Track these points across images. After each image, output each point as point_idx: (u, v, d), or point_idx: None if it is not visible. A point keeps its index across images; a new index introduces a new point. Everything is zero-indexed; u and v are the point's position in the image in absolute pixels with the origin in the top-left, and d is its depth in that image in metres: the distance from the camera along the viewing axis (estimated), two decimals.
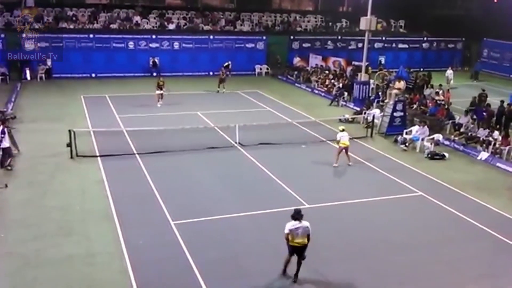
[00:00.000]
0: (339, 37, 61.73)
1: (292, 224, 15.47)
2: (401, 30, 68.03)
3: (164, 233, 19.00)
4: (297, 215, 15.52)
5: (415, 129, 31.56)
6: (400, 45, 63.40)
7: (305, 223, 15.54)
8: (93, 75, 50.89)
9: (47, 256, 17.18)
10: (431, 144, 30.13)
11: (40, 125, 32.89)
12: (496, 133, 30.53)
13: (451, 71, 52.66)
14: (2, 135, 24.89)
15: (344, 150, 26.73)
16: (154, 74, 48.30)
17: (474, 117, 33.71)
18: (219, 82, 46.22)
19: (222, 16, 61.38)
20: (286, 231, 15.50)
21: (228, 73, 49.33)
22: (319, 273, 14.03)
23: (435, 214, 21.82)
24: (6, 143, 25.04)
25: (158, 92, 39.27)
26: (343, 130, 27.01)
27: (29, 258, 16.93)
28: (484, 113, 34.54)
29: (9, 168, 24.81)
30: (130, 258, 17.07)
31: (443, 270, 17.24)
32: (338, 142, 26.95)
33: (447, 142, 31.57)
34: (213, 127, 32.16)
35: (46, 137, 30.06)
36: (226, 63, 51.16)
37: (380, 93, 40.72)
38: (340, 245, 18.59)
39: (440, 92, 39.99)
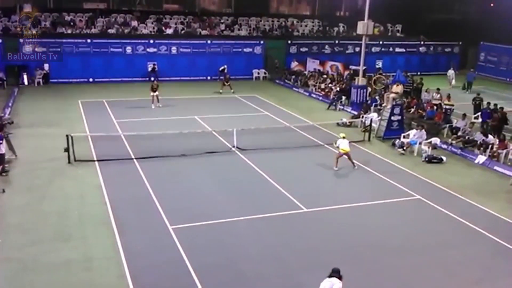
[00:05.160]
0: (337, 42, 61.83)
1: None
2: (398, 34, 68.10)
3: (162, 238, 18.96)
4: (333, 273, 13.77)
5: (412, 132, 31.55)
6: (397, 49, 63.53)
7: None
8: (91, 80, 50.90)
9: (45, 261, 17.13)
10: (428, 147, 30.10)
11: (37, 130, 32.85)
12: (490, 137, 30.57)
13: (453, 71, 52.73)
14: (0, 141, 24.81)
15: (346, 156, 26.81)
16: (152, 79, 48.30)
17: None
18: (222, 85, 46.95)
19: (220, 21, 61.41)
20: None
21: (222, 77, 49.53)
22: (316, 277, 13.96)
23: (433, 218, 21.79)
24: (2, 149, 24.96)
25: (152, 93, 39.86)
26: (343, 137, 27.05)
27: (27, 263, 16.86)
28: (489, 119, 34.73)
29: (4, 174, 24.73)
30: (128, 263, 17.01)
31: (441, 274, 17.20)
32: (337, 147, 27.05)
33: (444, 146, 31.56)
34: (211, 132, 32.16)
35: (44, 142, 30.02)
36: (222, 67, 51.29)
37: (377, 97, 40.73)
38: (338, 249, 18.55)
39: (437, 96, 40.05)
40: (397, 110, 33.45)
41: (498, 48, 60.75)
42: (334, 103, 42.57)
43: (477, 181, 26.62)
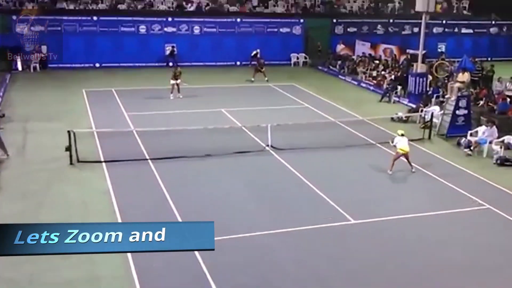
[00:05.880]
0: (391, 21, 61.67)
1: None
2: (464, 12, 67.59)
3: (182, 254, 18.93)
4: None
5: (481, 130, 31.24)
6: (464, 30, 63.16)
7: None
8: (97, 65, 51.37)
9: (43, 281, 17.19)
10: (500, 147, 29.77)
11: (33, 125, 33.16)
12: None
13: None
14: None
15: (404, 157, 26.62)
16: (170, 64, 48.49)
17: None
18: (255, 71, 46.97)
19: None
20: None
21: (254, 63, 49.52)
22: None
23: (505, 232, 21.53)
24: None
25: (172, 82, 39.72)
26: (402, 135, 26.80)
27: (21, 284, 16.92)
28: None
29: None
30: (140, 284, 17.00)
31: None
32: (394, 147, 26.85)
33: None
34: (241, 127, 32.21)
35: (41, 139, 30.29)
36: (255, 52, 51.27)
37: (440, 87, 40.51)
38: (391, 268, 18.40)
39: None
40: (463, 103, 33.22)
41: None
42: (388, 94, 42.44)
43: None
